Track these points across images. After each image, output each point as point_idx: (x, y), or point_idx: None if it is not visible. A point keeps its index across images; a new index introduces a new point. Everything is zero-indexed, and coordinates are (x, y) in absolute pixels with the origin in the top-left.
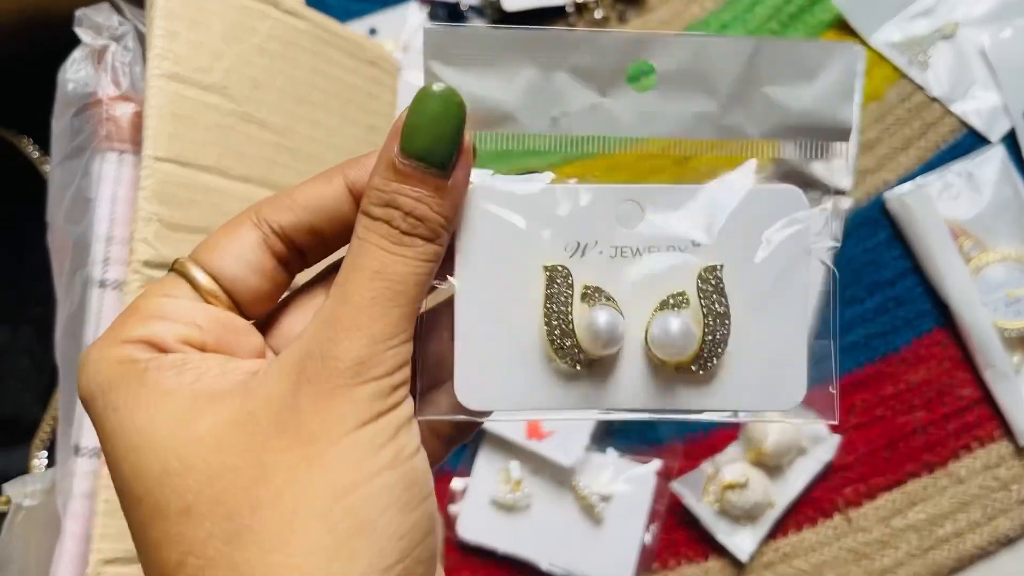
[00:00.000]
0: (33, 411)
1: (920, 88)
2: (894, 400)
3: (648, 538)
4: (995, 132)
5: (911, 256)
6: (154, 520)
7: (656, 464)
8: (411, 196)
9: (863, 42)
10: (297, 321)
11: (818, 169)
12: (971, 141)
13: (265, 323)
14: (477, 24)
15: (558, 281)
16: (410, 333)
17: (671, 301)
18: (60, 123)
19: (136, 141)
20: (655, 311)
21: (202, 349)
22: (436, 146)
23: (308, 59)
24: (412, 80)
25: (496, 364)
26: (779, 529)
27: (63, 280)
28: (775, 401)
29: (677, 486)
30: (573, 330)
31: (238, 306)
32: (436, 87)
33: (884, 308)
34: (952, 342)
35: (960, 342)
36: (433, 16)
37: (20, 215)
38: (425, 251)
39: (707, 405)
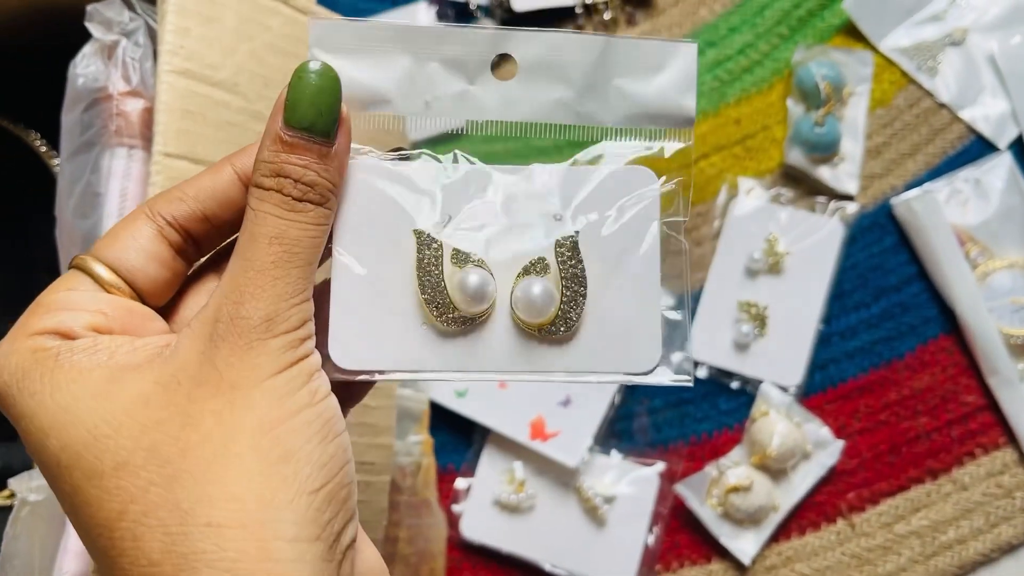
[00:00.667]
0: None
1: (928, 94)
2: (898, 406)
3: (651, 540)
4: (1003, 139)
5: (917, 262)
6: (89, 480)
7: (660, 466)
8: (299, 164)
9: (872, 47)
10: (194, 304)
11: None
12: (979, 148)
13: (164, 312)
14: (377, 20)
15: (428, 244)
16: (309, 292)
17: (533, 267)
18: (70, 118)
19: (146, 137)
20: (518, 276)
21: (108, 334)
22: (319, 116)
23: None
24: None
25: (371, 327)
26: (782, 533)
27: None
28: (632, 364)
29: (681, 488)
30: (445, 288)
31: (140, 296)
32: (312, 64)
33: (889, 314)
34: (957, 348)
35: (965, 348)
36: (441, 16)
37: (27, 209)
38: (317, 215)
39: (569, 367)
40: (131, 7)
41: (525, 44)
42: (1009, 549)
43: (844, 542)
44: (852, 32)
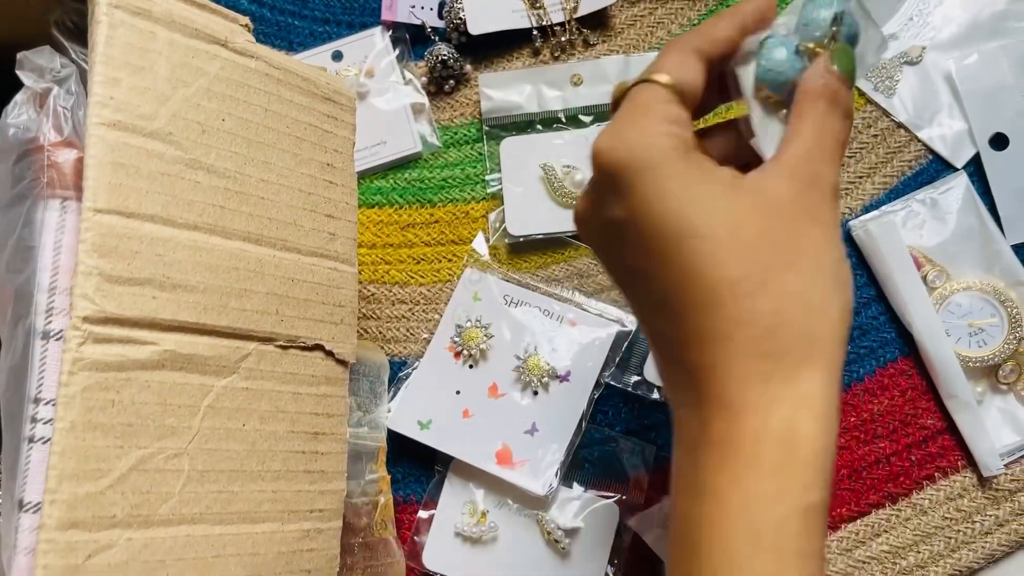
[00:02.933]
0: None
1: (886, 114)
2: (858, 430)
3: (611, 572)
4: (960, 158)
5: (876, 284)
6: (714, 254)
7: (619, 498)
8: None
9: None
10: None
11: None
12: (936, 167)
13: None
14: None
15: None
16: None
17: None
18: (1, 169)
19: (79, 188)
20: None
21: None
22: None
23: (259, 99)
24: (381, 106)
25: None
26: None
27: (5, 330)
28: None
29: (634, 523)
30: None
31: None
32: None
33: (849, 337)
34: (916, 371)
35: (923, 371)
36: (396, 41)
37: None
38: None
39: None
40: (64, 52)
41: (587, 68)
42: (969, 574)
43: None
44: None
